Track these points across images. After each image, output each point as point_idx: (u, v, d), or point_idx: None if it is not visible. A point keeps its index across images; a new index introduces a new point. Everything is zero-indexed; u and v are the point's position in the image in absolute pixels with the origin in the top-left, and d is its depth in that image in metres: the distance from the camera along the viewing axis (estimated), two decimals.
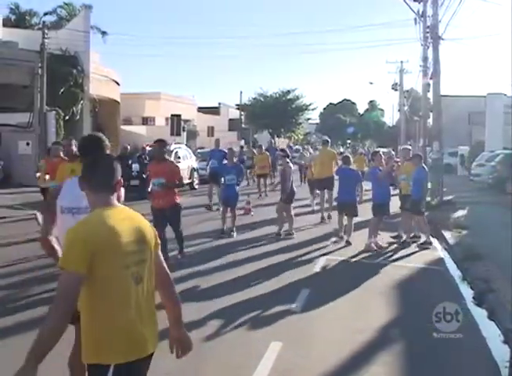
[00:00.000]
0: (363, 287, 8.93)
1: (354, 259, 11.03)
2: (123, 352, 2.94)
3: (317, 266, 10.29)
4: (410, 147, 15.50)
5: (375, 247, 11.64)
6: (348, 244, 12.12)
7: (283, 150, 14.30)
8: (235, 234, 12.83)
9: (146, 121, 52.21)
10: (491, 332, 7.10)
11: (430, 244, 12.33)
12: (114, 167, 3.20)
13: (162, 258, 3.32)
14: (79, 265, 2.82)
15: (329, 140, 16.93)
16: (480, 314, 7.87)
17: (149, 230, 3.19)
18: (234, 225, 13.04)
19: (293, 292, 8.42)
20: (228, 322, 6.98)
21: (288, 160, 13.79)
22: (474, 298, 8.61)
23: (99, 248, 2.87)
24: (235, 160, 13.70)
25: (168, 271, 3.33)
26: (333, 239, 12.73)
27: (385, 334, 6.86)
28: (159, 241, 3.30)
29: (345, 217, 12.46)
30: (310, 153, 21.96)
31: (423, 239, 12.45)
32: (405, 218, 12.85)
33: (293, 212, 13.29)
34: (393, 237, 12.89)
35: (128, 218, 3.11)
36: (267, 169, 22.21)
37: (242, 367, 5.72)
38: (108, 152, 4.21)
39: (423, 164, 12.92)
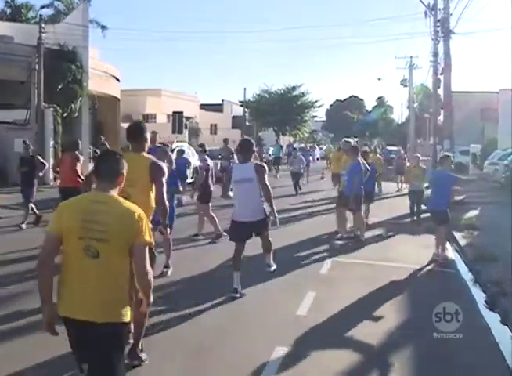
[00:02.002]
0: (372, 290, 8.89)
1: (362, 261, 11.01)
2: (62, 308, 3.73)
3: (323, 268, 10.27)
4: (350, 140, 15.14)
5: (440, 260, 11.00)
6: (358, 237, 13.01)
7: (201, 146, 13.85)
8: (169, 271, 9.54)
9: (146, 118, 52.24)
10: (503, 336, 7.08)
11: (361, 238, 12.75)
12: (104, 163, 3.99)
13: (143, 254, 3.75)
14: (52, 227, 3.78)
15: (350, 140, 17.41)
16: (492, 318, 7.85)
17: (119, 222, 3.72)
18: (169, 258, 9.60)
19: (298, 295, 8.40)
20: (231, 326, 6.97)
21: (206, 156, 13.21)
22: (486, 301, 8.60)
23: (63, 218, 3.77)
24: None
25: (142, 264, 3.74)
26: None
27: (395, 339, 6.83)
28: (146, 239, 3.77)
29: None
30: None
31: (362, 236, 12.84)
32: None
33: (211, 211, 12.78)
34: (351, 238, 12.99)
35: (103, 203, 3.78)
36: None
37: (246, 373, 5.70)
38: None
39: (360, 159, 12.77)
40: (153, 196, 5.79)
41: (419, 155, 17.11)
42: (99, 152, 34.13)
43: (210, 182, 12.82)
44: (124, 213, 3.78)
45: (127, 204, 3.87)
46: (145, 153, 6.07)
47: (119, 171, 3.95)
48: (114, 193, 3.91)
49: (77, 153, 12.90)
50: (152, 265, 3.98)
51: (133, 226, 3.76)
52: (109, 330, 3.66)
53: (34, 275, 3.91)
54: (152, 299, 3.94)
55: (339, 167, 15.37)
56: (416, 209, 15.53)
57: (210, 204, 12.79)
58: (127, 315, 3.75)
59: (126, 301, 3.76)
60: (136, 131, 6.07)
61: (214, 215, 12.71)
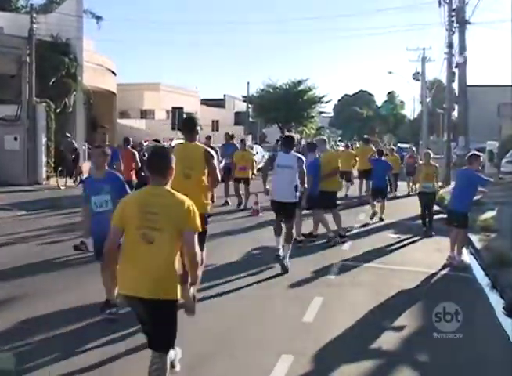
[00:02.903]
0: (382, 296, 8.87)
1: (372, 265, 10.98)
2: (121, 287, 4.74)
3: (331, 272, 10.25)
4: (324, 137, 15.20)
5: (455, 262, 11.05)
6: (381, 220, 16.01)
7: (157, 141, 13.74)
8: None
9: (144, 114, 52.35)
10: None
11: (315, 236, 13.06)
12: (154, 159, 4.85)
13: (192, 239, 4.60)
14: (116, 221, 4.74)
15: (368, 138, 21.61)
16: (511, 325, 7.80)
17: (171, 212, 4.61)
18: None
19: (304, 300, 8.37)
20: (236, 333, 6.95)
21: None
22: (504, 307, 8.56)
23: (124, 210, 4.73)
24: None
25: (192, 249, 4.60)
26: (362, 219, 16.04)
27: (406, 346, 6.81)
28: (194, 226, 4.64)
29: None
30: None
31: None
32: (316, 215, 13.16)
33: None
34: (306, 235, 13.01)
35: (158, 195, 4.69)
36: (248, 172, 18.51)
37: None
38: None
39: (317, 155, 12.84)
40: (206, 175, 7.43)
41: (429, 151, 15.71)
42: (90, 149, 34.33)
43: None
44: (175, 204, 4.66)
45: (178, 195, 4.73)
46: (198, 142, 7.75)
47: (169, 166, 4.80)
48: (167, 185, 4.78)
49: (131, 149, 15.66)
50: (202, 247, 4.94)
51: (183, 215, 4.62)
52: (164, 305, 4.57)
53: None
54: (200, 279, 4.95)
55: (365, 164, 19.34)
56: (427, 214, 14.23)
57: None
58: (177, 292, 4.64)
59: (177, 280, 4.64)
60: (190, 125, 7.71)
61: None
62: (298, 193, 10.21)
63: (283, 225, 10.39)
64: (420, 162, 18.04)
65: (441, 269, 10.68)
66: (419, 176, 14.61)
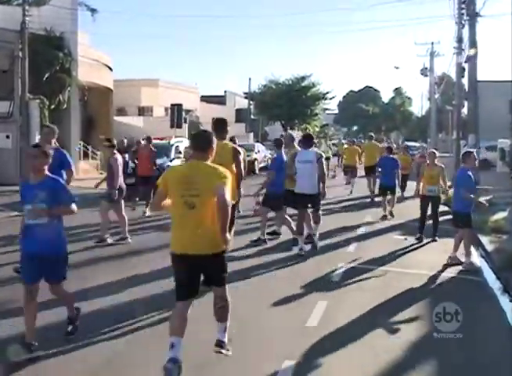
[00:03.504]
0: (387, 299, 8.85)
1: (377, 267, 10.95)
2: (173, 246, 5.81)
3: (336, 275, 10.24)
4: (291, 131, 15.14)
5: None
6: (391, 214, 16.78)
7: (108, 140, 13.60)
8: None
9: (142, 111, 52.35)
10: None
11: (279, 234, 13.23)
12: (200, 138, 6.00)
13: (223, 195, 5.48)
14: (160, 184, 5.78)
15: (373, 135, 22.25)
16: None
17: (207, 179, 5.59)
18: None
19: (308, 304, 8.37)
20: (238, 337, 6.93)
21: (115, 151, 12.98)
22: None
23: (168, 179, 5.78)
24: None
25: (224, 205, 5.48)
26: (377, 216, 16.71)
27: (413, 352, 6.78)
28: (226, 183, 5.60)
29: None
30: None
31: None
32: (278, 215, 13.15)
33: (124, 212, 12.86)
34: (270, 233, 13.15)
35: (196, 167, 5.74)
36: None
37: None
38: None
39: (282, 151, 13.04)
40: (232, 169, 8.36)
41: (435, 151, 14.84)
42: (90, 148, 34.38)
43: (120, 179, 12.89)
44: (210, 172, 5.69)
45: (214, 166, 5.80)
46: (227, 141, 9.24)
47: (210, 145, 5.89)
48: (207, 161, 5.80)
49: (151, 146, 18.05)
50: (232, 221, 6.41)
51: (215, 179, 5.58)
52: (212, 258, 5.70)
53: None
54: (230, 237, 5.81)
55: (370, 161, 20.65)
56: (432, 221, 13.45)
57: (123, 204, 12.98)
58: (221, 245, 5.70)
59: (218, 236, 5.59)
60: (222, 124, 9.27)
61: (126, 216, 12.92)
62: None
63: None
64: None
65: (442, 271, 10.67)
66: (422, 178, 13.67)
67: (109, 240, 12.57)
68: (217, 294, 6.00)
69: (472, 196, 10.99)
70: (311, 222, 12.12)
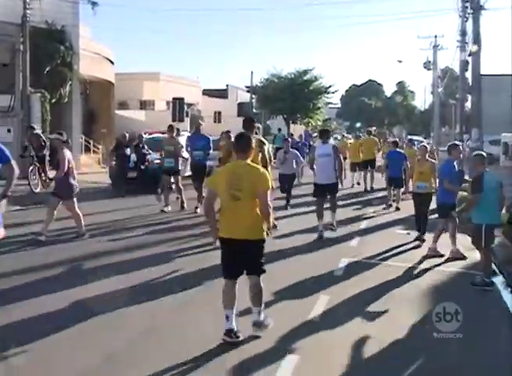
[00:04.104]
0: (390, 294, 8.87)
1: (380, 262, 10.98)
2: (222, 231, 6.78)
3: (338, 269, 10.26)
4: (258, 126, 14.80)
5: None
6: (397, 209, 17.31)
7: (59, 134, 13.32)
8: None
9: (144, 104, 52.31)
10: None
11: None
12: (241, 142, 6.92)
13: (265, 198, 6.56)
14: (210, 185, 7.10)
15: (372, 130, 23.53)
16: None
17: (250, 177, 6.61)
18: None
19: (310, 299, 8.39)
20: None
21: (65, 146, 12.38)
22: None
23: (216, 178, 6.97)
24: None
25: (265, 203, 6.55)
26: (383, 206, 17.99)
27: (415, 346, 6.80)
28: (266, 187, 6.62)
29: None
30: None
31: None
32: None
33: (77, 209, 12.46)
34: None
35: (243, 167, 6.73)
36: None
37: None
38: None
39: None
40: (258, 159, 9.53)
41: (426, 145, 14.20)
42: (91, 142, 34.40)
43: (72, 176, 12.28)
44: (253, 172, 6.73)
45: (255, 166, 6.98)
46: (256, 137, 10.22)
47: (250, 147, 6.90)
48: (248, 160, 6.81)
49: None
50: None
51: (258, 179, 6.63)
52: (252, 244, 6.67)
53: None
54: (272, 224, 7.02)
55: (369, 155, 22.31)
56: (421, 219, 12.84)
57: (75, 200, 12.47)
58: (263, 233, 6.72)
59: (260, 225, 6.67)
60: (250, 121, 10.73)
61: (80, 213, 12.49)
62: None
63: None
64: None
65: (451, 267, 10.67)
66: (411, 173, 13.41)
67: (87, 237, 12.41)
68: (252, 282, 6.80)
69: (455, 187, 11.27)
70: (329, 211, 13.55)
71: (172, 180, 16.87)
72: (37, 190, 19.91)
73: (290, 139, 20.17)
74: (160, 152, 17.46)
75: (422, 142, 28.48)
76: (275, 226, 13.11)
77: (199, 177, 16.44)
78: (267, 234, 6.85)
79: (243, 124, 10.39)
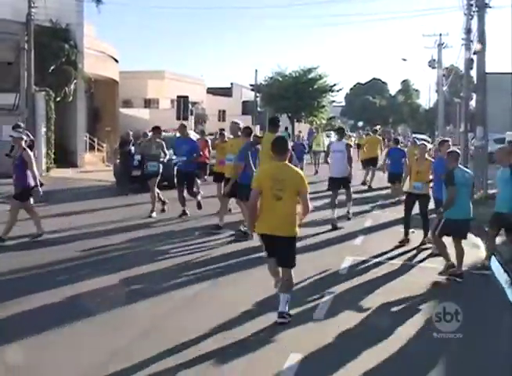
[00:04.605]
0: (395, 293, 8.84)
1: (384, 260, 10.97)
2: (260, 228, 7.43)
3: (343, 268, 10.25)
4: (239, 121, 14.46)
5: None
6: (399, 202, 16.68)
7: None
8: None
9: (148, 103, 52.38)
10: None
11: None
12: (279, 145, 7.53)
13: (306, 198, 7.26)
14: (255, 186, 7.39)
15: (377, 129, 25.00)
16: None
17: (292, 179, 7.24)
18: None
19: (315, 298, 8.39)
20: (244, 331, 6.94)
21: (23, 143, 12.11)
22: None
23: (261, 178, 7.43)
24: None
25: (306, 203, 7.24)
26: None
27: (421, 346, 6.78)
28: (305, 189, 7.28)
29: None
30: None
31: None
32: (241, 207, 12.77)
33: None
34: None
35: (283, 168, 7.34)
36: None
37: None
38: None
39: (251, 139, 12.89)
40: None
41: (426, 144, 13.50)
42: (96, 140, 34.43)
43: (29, 176, 11.80)
44: (293, 174, 7.35)
45: (294, 168, 7.57)
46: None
47: (287, 149, 7.59)
48: (285, 160, 7.45)
49: (206, 138, 20.11)
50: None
51: (299, 181, 7.28)
52: (288, 240, 7.26)
53: None
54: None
55: (371, 152, 23.43)
56: (422, 222, 12.26)
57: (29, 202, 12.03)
58: (296, 231, 7.31)
59: (295, 223, 7.26)
60: (275, 121, 11.92)
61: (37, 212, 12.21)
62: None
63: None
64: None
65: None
66: (408, 171, 12.83)
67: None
68: (284, 274, 7.42)
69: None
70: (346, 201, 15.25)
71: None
72: None
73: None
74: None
75: (424, 140, 28.45)
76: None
77: (188, 185, 15.27)
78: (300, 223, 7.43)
79: (268, 122, 11.06)
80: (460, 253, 9.70)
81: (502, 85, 38.05)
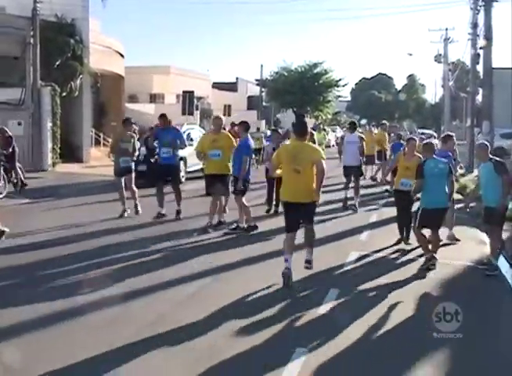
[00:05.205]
0: (401, 288, 8.83)
1: (390, 255, 10.94)
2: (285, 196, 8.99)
3: (348, 263, 10.24)
4: (221, 116, 14.18)
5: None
6: None
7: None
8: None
9: (154, 98, 52.41)
10: None
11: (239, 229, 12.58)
12: (299, 126, 9.09)
13: (321, 164, 8.45)
14: (275, 160, 9.13)
15: (386, 124, 24.23)
16: None
17: (307, 154, 8.57)
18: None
19: (320, 293, 8.38)
20: (249, 326, 6.94)
21: None
22: None
23: (282, 153, 8.95)
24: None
25: (321, 170, 8.47)
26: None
27: (424, 341, 6.76)
28: (320, 158, 8.55)
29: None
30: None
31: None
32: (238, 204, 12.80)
33: None
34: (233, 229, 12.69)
35: (300, 146, 8.69)
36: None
37: None
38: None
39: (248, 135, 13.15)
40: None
41: (415, 138, 12.86)
42: (101, 135, 34.45)
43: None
44: (310, 149, 8.78)
45: (311, 144, 9.26)
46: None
47: (306, 131, 9.02)
48: (305, 141, 8.88)
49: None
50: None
51: (312, 152, 8.67)
52: (309, 204, 8.64)
53: None
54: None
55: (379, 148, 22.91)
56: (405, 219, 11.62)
57: None
58: (314, 197, 8.59)
59: (313, 192, 8.52)
60: (301, 119, 13.04)
61: None
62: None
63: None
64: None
65: (461, 260, 10.62)
66: (394, 166, 12.36)
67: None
68: (307, 228, 8.89)
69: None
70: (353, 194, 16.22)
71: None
72: (3, 195, 17.03)
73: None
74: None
75: (430, 135, 28.33)
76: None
77: (173, 179, 14.37)
78: (317, 198, 8.65)
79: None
80: (436, 243, 10.15)
81: (503, 80, 37.87)
